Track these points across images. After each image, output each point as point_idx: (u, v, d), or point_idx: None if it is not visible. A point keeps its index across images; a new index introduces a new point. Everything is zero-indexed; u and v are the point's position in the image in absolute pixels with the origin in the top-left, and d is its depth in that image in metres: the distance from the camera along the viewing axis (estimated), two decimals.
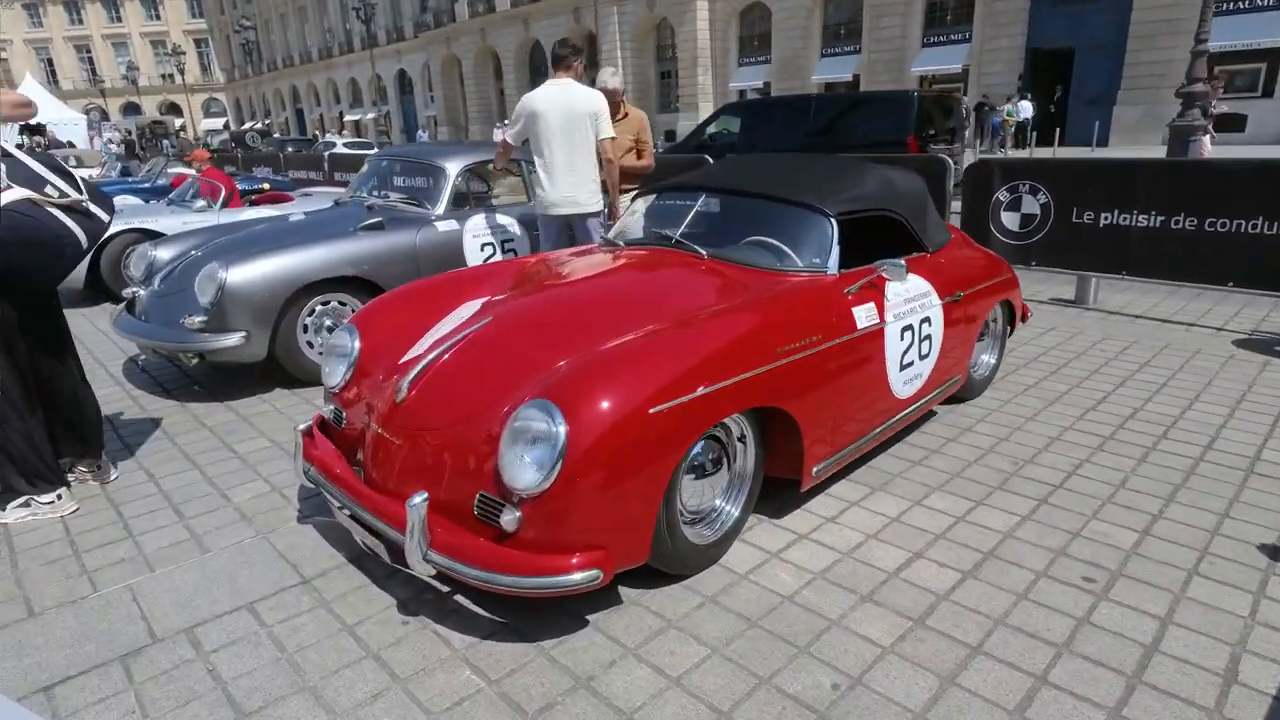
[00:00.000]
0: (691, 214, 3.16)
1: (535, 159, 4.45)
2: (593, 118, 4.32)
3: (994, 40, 26.46)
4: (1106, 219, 5.60)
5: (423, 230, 4.59)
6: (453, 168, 4.87)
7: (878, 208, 3.11)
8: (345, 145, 24.64)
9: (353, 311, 4.33)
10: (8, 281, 2.57)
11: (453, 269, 4.64)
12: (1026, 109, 23.43)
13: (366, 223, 4.37)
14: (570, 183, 4.37)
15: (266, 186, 9.46)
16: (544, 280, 2.97)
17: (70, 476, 3.00)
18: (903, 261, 2.75)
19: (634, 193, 3.82)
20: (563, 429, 1.90)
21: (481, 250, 4.85)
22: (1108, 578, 2.33)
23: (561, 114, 4.31)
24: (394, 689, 1.90)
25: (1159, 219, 5.34)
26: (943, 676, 1.91)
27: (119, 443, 3.50)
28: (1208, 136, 11.30)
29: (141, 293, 4.35)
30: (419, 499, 1.99)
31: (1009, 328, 4.09)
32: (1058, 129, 22.43)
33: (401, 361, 2.54)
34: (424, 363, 2.37)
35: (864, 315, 2.72)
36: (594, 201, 4.46)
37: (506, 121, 32.64)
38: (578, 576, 1.90)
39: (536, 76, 41.64)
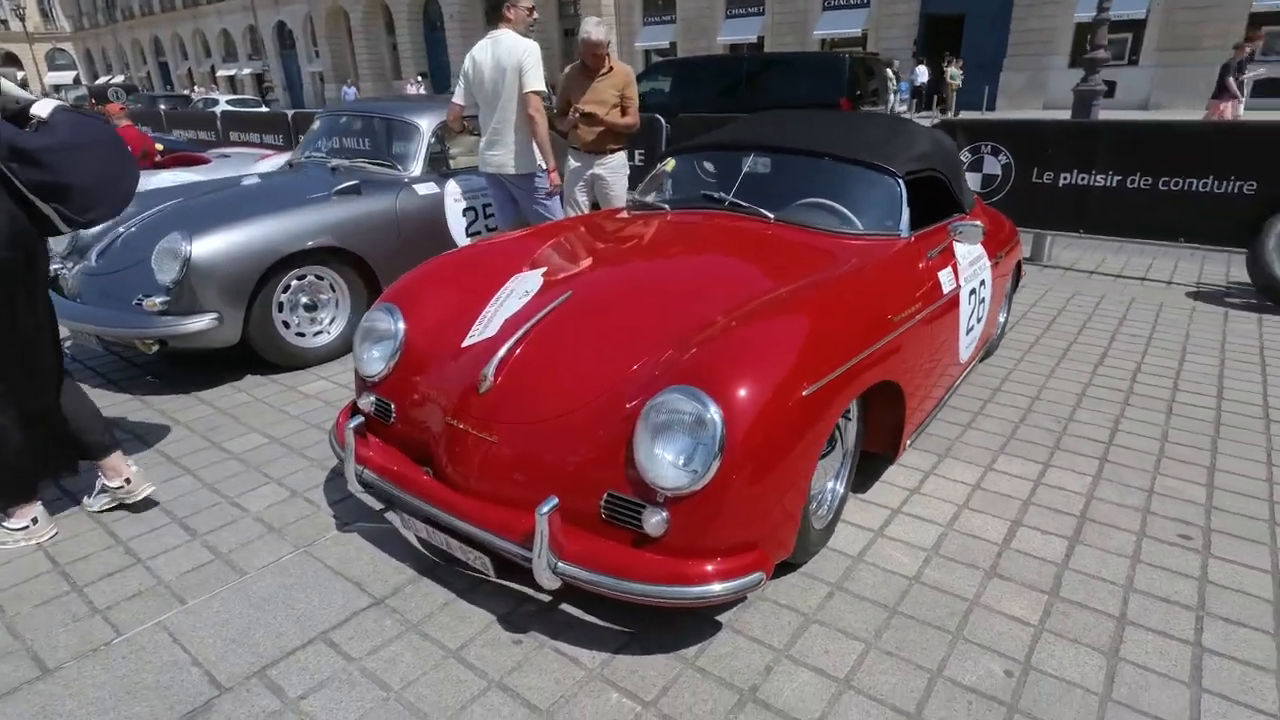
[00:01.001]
0: (741, 175, 2.95)
1: None
2: (516, 70, 3.92)
3: (891, 5, 27.14)
4: (1066, 179, 5.79)
5: (402, 194, 4.15)
6: (426, 124, 4.42)
7: (930, 168, 3.01)
8: (229, 103, 22.44)
9: (332, 287, 3.89)
10: (71, 202, 2.10)
11: (437, 236, 4.27)
12: (923, 74, 24.24)
13: (342, 186, 3.89)
14: (492, 141, 4.07)
15: (160, 148, 8.44)
16: (606, 250, 2.69)
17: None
18: (979, 223, 2.67)
19: (662, 153, 3.55)
20: (719, 418, 1.69)
21: (464, 215, 4.46)
22: (1201, 535, 2.37)
23: (489, 69, 3.98)
24: None
25: (1116, 179, 5.57)
26: (1106, 652, 1.87)
27: None
28: (1239, 102, 10.63)
29: (68, 270, 3.72)
30: (547, 506, 1.73)
31: (1014, 286, 4.15)
32: (954, 94, 23.40)
33: (466, 345, 2.23)
34: (506, 346, 2.07)
35: (947, 280, 2.62)
36: (513, 163, 4.06)
37: (419, 77, 30.51)
38: (742, 581, 1.72)
39: (431, 31, 39.45)
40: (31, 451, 2.29)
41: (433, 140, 4.43)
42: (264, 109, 20.10)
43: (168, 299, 3.33)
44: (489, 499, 1.94)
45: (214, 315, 3.38)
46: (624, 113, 4.50)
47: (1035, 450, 2.92)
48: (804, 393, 1.81)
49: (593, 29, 4.33)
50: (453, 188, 4.41)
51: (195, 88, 40.98)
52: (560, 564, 1.76)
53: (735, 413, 1.70)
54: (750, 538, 1.78)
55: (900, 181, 2.75)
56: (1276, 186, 4.92)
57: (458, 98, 4.11)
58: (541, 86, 3.97)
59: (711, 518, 1.73)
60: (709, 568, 1.72)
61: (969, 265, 2.87)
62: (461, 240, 4.45)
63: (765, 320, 1.95)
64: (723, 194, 2.91)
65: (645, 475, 1.74)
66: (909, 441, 2.49)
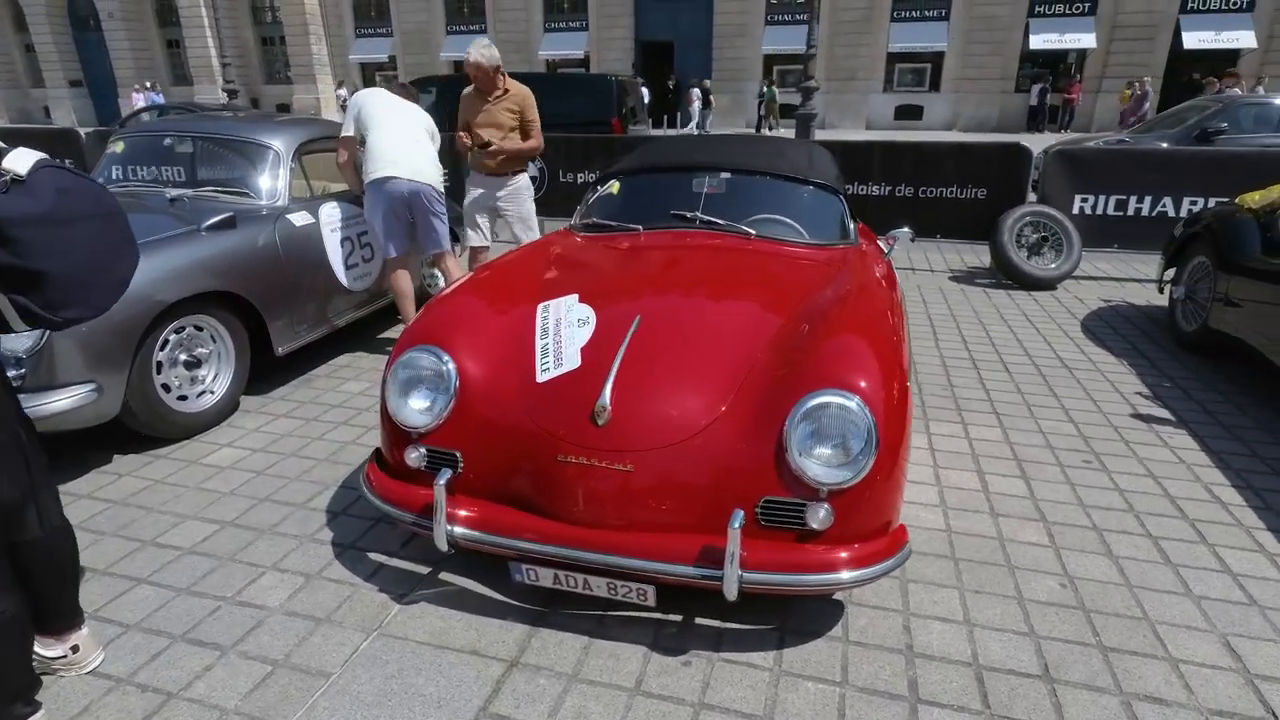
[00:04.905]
0: (704, 195, 3.15)
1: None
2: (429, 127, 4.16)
3: (608, 29, 29.00)
4: (849, 189, 6.85)
5: (279, 225, 3.64)
6: (285, 146, 3.90)
7: (840, 186, 3.49)
8: None
9: (212, 338, 3.30)
10: (43, 294, 1.50)
11: (320, 270, 3.85)
12: (644, 95, 26.28)
13: (215, 220, 3.30)
14: (411, 149, 3.98)
15: None
16: (625, 271, 2.70)
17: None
18: (908, 229, 3.18)
19: (601, 175, 3.56)
20: (869, 415, 1.89)
21: (342, 246, 4.02)
22: (1094, 459, 3.10)
23: (393, 100, 4.02)
24: None
25: (888, 189, 6.76)
26: (1106, 555, 2.41)
27: None
28: None
29: None
30: (738, 521, 1.79)
31: None
32: (676, 113, 25.76)
33: (543, 380, 2.14)
34: (612, 376, 2.04)
35: (897, 276, 3.09)
36: (434, 173, 4.00)
37: (148, 84, 23.40)
38: (901, 554, 1.93)
39: (83, 31, 33.13)
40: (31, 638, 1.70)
41: (293, 164, 3.93)
42: None
43: (21, 373, 2.59)
44: (639, 529, 1.92)
45: (91, 386, 2.71)
46: (526, 135, 4.38)
47: (949, 414, 3.54)
48: (908, 384, 2.09)
49: (473, 52, 4.14)
50: (327, 217, 3.96)
51: None
52: (744, 574, 1.82)
53: (879, 408, 1.91)
54: (891, 516, 2.00)
55: (841, 197, 3.17)
56: (1000, 192, 6.38)
57: (346, 130, 3.82)
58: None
59: (868, 504, 1.92)
60: (875, 548, 1.91)
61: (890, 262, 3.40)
62: (341, 273, 4.02)
63: (853, 328, 2.19)
64: (695, 213, 3.08)
65: (805, 475, 1.87)
66: None
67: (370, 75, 31.08)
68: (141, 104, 20.00)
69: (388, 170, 3.78)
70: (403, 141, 3.81)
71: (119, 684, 1.85)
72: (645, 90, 25.67)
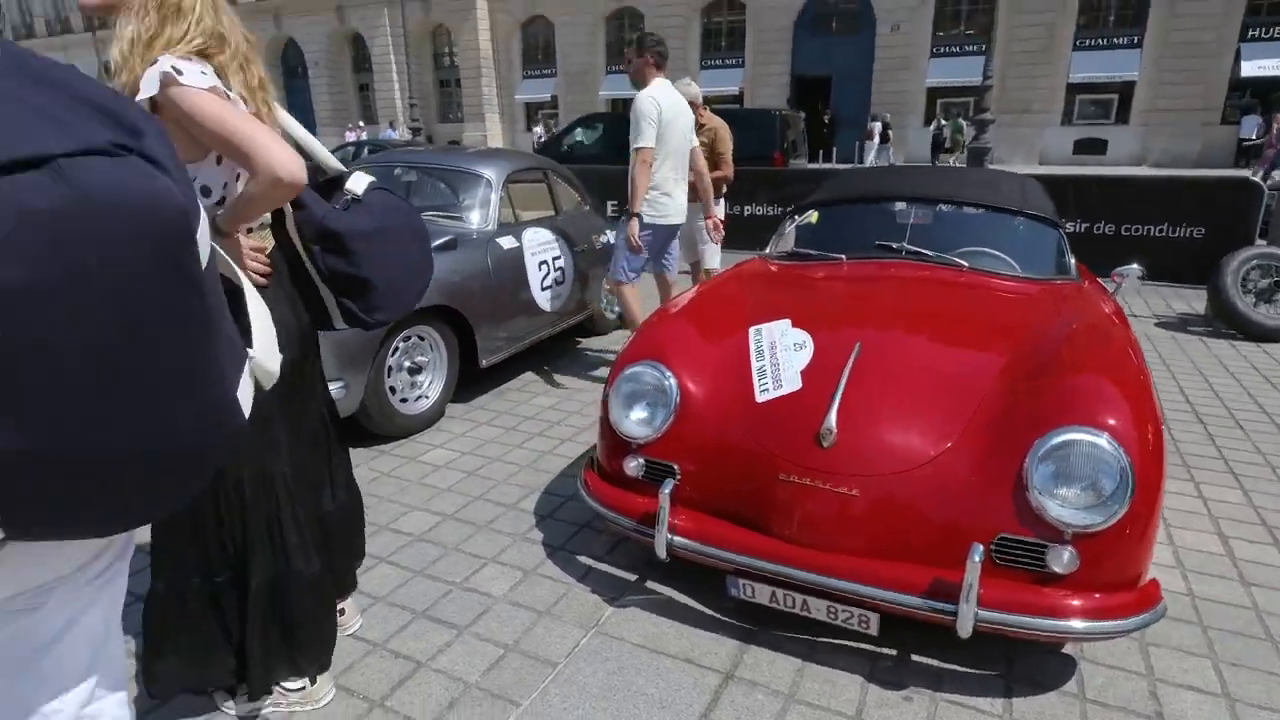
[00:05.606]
0: (910, 226, 3.11)
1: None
2: (691, 122, 4.18)
3: (765, 65, 29.26)
4: None
5: (490, 248, 3.97)
6: (496, 176, 4.27)
7: (1057, 219, 3.31)
8: None
9: (432, 347, 3.63)
10: (365, 298, 1.76)
11: (520, 290, 4.13)
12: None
13: (440, 241, 3.66)
14: (679, 189, 4.13)
15: None
16: (836, 298, 2.73)
17: None
18: (1137, 266, 2.97)
19: (798, 206, 3.63)
20: (1123, 455, 1.77)
21: (539, 269, 4.32)
22: None
23: (683, 116, 4.02)
24: None
25: (1084, 225, 6.31)
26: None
27: None
28: None
29: None
30: (978, 555, 1.73)
31: None
32: (834, 147, 25.45)
33: (763, 400, 2.18)
34: (838, 399, 2.05)
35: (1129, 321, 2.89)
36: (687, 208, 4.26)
37: (360, 124, 25.99)
38: (1154, 610, 1.79)
39: (293, 79, 37.86)
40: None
41: (501, 193, 4.28)
42: None
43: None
44: (859, 554, 1.90)
45: (340, 384, 3.06)
46: (718, 166, 4.65)
47: (1174, 469, 3.20)
48: (1162, 426, 1.94)
49: (686, 87, 4.44)
50: (529, 241, 4.27)
51: None
52: (980, 611, 1.75)
53: (1133, 448, 1.79)
54: (1142, 568, 1.86)
55: (1060, 231, 3.01)
56: (1222, 231, 5.78)
57: (649, 141, 3.79)
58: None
59: (1118, 552, 1.80)
60: (1125, 600, 1.78)
61: None
62: (538, 294, 4.31)
63: (1094, 366, 2.07)
64: (901, 244, 3.04)
65: (1047, 515, 1.78)
66: None
67: (533, 114, 33.15)
68: (351, 139, 22.79)
69: (677, 219, 4.08)
70: (683, 174, 4.06)
71: (376, 648, 2.07)
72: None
